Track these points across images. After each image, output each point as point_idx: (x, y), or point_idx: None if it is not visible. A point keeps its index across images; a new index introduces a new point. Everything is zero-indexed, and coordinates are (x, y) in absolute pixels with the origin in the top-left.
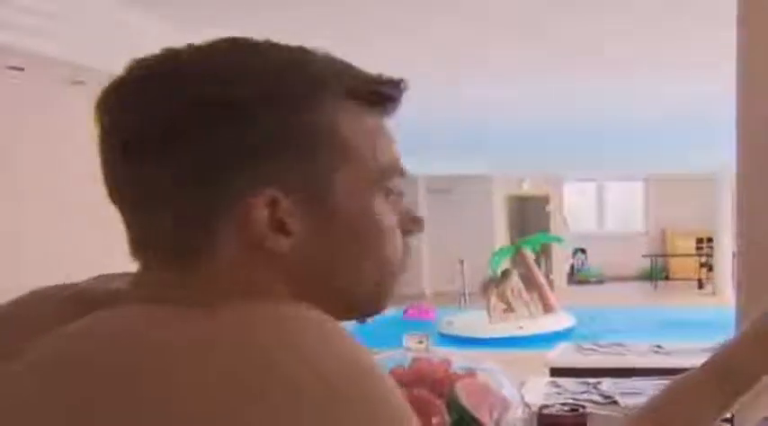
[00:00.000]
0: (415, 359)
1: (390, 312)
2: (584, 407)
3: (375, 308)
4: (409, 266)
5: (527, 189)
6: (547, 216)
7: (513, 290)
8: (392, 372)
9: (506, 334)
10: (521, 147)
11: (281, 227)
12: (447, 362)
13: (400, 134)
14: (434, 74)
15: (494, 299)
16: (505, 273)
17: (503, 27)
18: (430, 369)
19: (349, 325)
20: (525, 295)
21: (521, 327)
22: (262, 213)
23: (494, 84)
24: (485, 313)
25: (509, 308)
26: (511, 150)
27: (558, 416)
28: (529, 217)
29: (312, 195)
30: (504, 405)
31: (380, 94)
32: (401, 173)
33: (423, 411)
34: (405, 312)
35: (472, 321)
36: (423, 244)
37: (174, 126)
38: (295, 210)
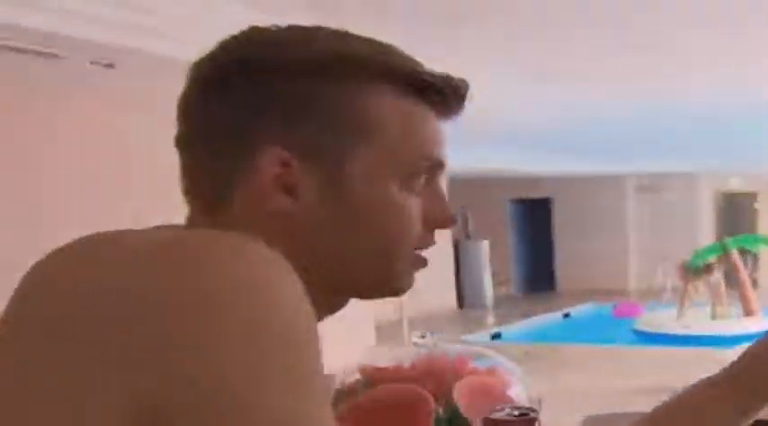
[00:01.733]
0: (429, 355)
1: (598, 308)
2: (535, 411)
3: (377, 293)
4: (614, 262)
5: (735, 185)
6: (755, 213)
7: (712, 285)
8: (400, 368)
9: (699, 332)
10: (728, 143)
11: (289, 189)
12: (463, 359)
13: (612, 135)
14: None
15: (690, 290)
16: (708, 267)
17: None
18: (441, 366)
19: (557, 320)
20: (724, 293)
21: (687, 327)
22: (271, 172)
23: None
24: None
25: (718, 301)
26: (718, 147)
27: (503, 420)
28: (736, 214)
29: (326, 166)
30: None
31: (423, 84)
32: (437, 165)
33: (409, 404)
34: (614, 308)
35: (665, 317)
36: (629, 240)
37: (208, 84)
38: (306, 176)
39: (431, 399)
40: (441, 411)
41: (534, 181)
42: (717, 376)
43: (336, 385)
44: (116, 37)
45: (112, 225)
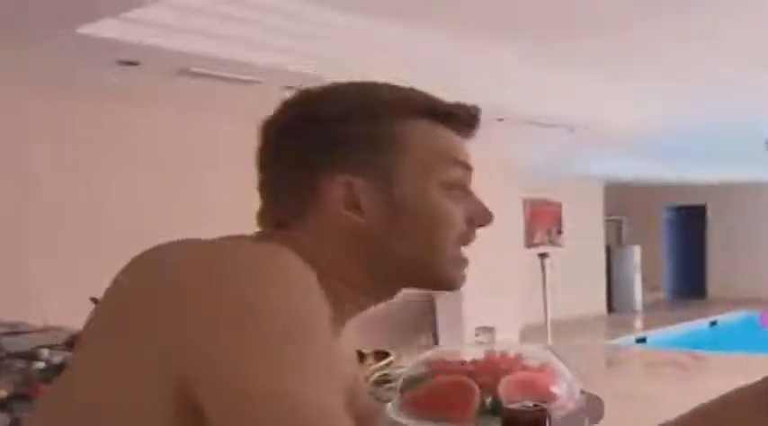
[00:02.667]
0: (490, 352)
1: (747, 317)
2: (544, 402)
3: (435, 283)
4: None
5: None
6: None
7: None
8: (462, 362)
9: None
10: None
11: (356, 205)
12: (519, 357)
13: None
14: None
15: None
16: None
17: None
18: (497, 362)
19: (703, 327)
20: None
21: None
22: (339, 193)
23: None
24: None
25: None
26: None
27: (518, 411)
28: None
29: (379, 181)
30: (549, 400)
31: (441, 112)
32: (463, 166)
33: (458, 394)
34: (761, 317)
35: None
36: None
37: (281, 132)
38: (366, 193)
39: (476, 390)
40: (488, 401)
41: (689, 188)
42: (741, 390)
43: (406, 375)
44: (305, 66)
45: None
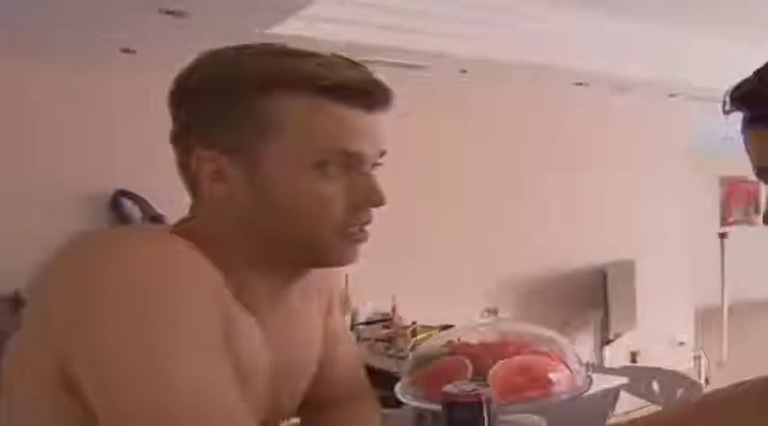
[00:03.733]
0: (504, 335)
1: None
2: (487, 385)
3: (314, 264)
4: None
5: None
6: None
7: None
8: (474, 344)
9: None
10: None
11: (221, 179)
12: (526, 341)
13: None
14: None
15: None
16: None
17: None
18: (509, 344)
19: None
20: None
21: None
22: (207, 167)
23: None
24: None
25: None
26: None
27: (454, 394)
28: None
29: (244, 159)
30: (545, 386)
31: (326, 88)
32: (351, 155)
33: (452, 373)
34: None
35: None
36: None
37: (169, 106)
38: (232, 169)
39: (468, 371)
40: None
41: None
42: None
43: (417, 354)
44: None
45: None
